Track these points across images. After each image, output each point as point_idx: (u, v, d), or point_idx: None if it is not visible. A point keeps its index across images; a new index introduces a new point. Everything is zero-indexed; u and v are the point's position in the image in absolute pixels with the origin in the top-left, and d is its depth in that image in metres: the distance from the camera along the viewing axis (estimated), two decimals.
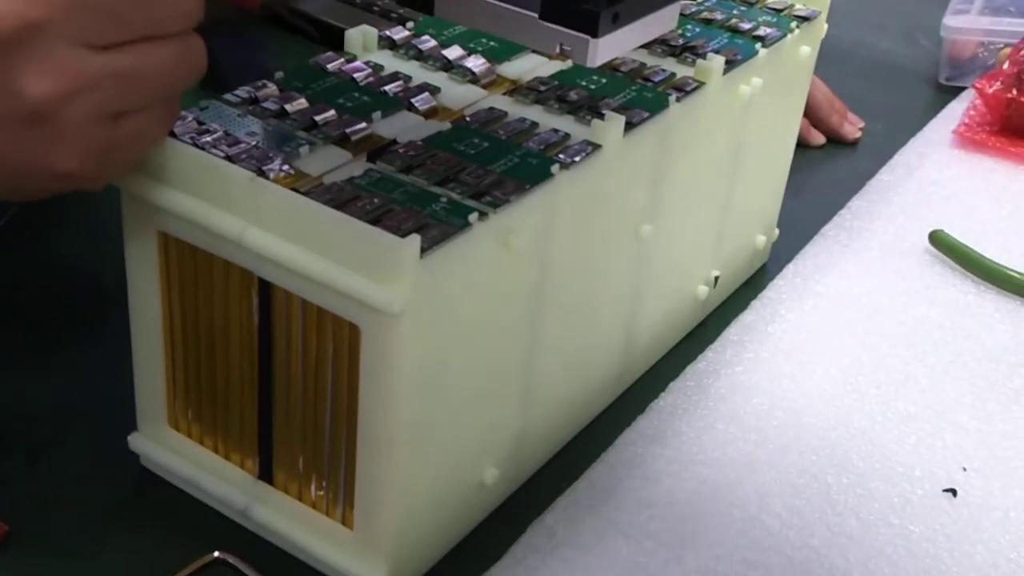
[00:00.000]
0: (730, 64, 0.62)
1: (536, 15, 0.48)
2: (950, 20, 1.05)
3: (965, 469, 0.61)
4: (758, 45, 0.65)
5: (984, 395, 0.67)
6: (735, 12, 0.68)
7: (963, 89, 1.03)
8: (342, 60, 0.57)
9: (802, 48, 0.69)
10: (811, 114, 0.92)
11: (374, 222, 0.44)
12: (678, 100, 0.58)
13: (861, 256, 0.79)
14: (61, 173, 0.44)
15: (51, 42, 0.41)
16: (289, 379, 0.49)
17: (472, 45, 0.60)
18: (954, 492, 0.60)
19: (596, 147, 0.53)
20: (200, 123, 0.50)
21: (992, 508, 0.59)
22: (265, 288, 0.48)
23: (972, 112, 0.96)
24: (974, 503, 0.59)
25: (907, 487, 0.60)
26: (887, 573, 0.55)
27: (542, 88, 0.57)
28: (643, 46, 0.61)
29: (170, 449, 0.55)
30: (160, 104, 0.45)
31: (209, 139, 0.49)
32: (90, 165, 0.44)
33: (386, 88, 0.55)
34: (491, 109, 0.55)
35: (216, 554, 0.52)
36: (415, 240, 0.43)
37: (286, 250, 0.46)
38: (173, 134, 0.48)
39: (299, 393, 0.49)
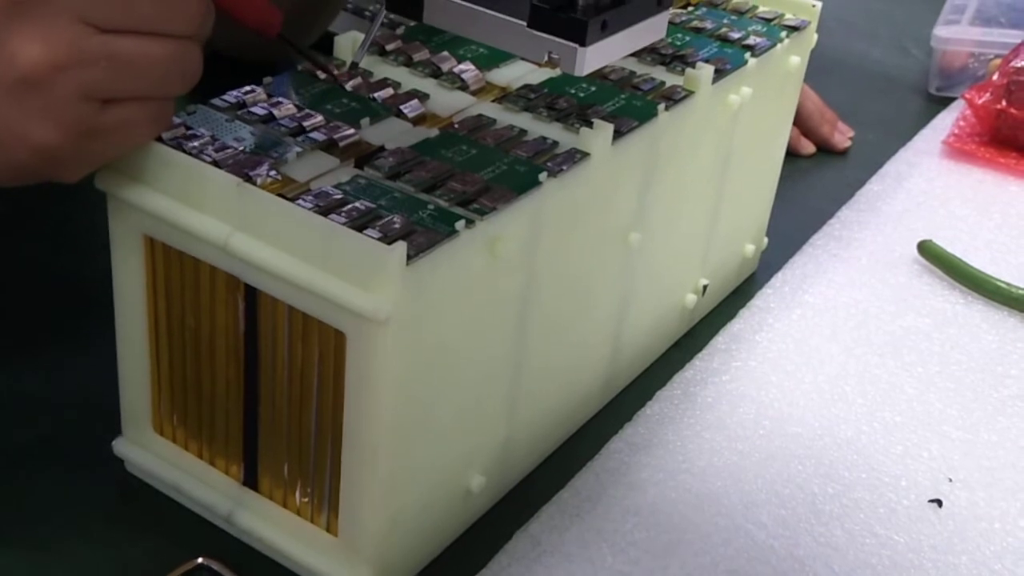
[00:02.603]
0: (719, 73, 0.62)
1: (524, 23, 0.48)
2: (941, 31, 1.05)
3: (951, 480, 0.61)
4: (747, 55, 0.65)
5: (971, 405, 0.67)
6: (725, 21, 0.69)
7: (953, 99, 1.04)
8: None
9: (792, 58, 0.69)
10: (801, 123, 0.92)
11: (360, 229, 0.44)
12: (667, 109, 0.58)
13: (850, 266, 0.79)
14: (40, 146, 0.44)
15: (56, 13, 0.42)
16: (274, 385, 0.49)
17: (461, 52, 0.60)
18: (940, 503, 0.60)
19: (584, 155, 0.53)
20: (187, 127, 0.50)
21: (977, 519, 0.59)
22: (251, 294, 0.48)
23: (962, 123, 0.97)
24: (959, 514, 0.59)
25: (893, 497, 0.60)
26: None
27: (531, 96, 0.57)
28: (632, 55, 0.61)
29: (155, 454, 0.55)
30: (150, 102, 0.46)
31: (196, 144, 0.49)
32: (70, 144, 0.44)
33: (375, 94, 0.55)
34: (480, 116, 0.55)
35: (200, 560, 0.52)
36: (401, 247, 0.43)
37: (272, 256, 0.46)
38: (160, 138, 0.48)
39: (284, 399, 0.49)
